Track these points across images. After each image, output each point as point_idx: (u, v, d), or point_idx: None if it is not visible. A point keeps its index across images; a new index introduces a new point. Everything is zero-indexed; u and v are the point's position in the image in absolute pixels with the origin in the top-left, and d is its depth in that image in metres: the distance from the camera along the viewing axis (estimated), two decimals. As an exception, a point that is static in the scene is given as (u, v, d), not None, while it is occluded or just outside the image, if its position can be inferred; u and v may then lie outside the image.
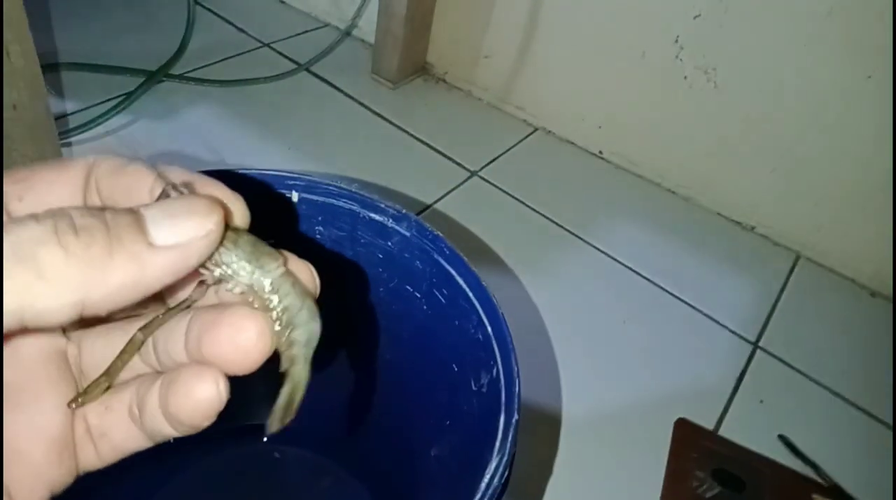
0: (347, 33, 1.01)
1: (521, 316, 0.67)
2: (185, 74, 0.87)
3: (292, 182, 0.34)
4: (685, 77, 0.79)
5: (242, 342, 0.19)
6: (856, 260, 0.78)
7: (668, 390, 0.63)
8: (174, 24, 0.94)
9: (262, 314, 0.19)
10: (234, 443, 0.48)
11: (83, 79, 0.83)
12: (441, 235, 0.34)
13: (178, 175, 0.20)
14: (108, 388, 0.21)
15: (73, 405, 0.21)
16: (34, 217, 0.16)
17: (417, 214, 0.74)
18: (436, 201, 0.77)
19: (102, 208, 0.18)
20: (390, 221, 0.35)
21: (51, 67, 0.82)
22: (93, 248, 0.16)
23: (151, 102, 0.82)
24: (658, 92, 0.82)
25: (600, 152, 0.91)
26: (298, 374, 0.20)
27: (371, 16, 0.95)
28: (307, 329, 0.20)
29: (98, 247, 0.16)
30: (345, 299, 0.38)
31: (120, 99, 0.79)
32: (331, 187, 0.35)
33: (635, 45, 0.81)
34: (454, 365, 0.34)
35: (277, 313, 0.20)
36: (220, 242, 0.19)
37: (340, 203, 0.35)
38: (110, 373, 0.21)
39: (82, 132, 0.74)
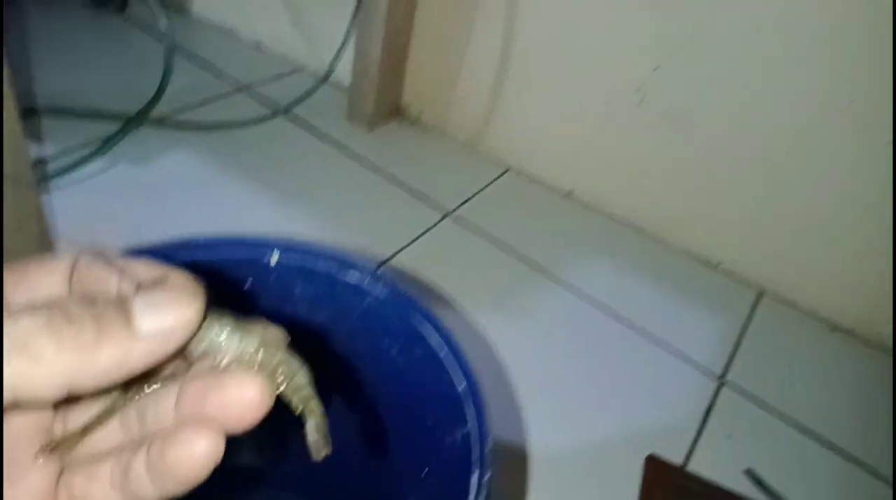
0: (325, 78, 1.04)
1: (493, 356, 0.68)
2: (164, 119, 0.89)
3: (272, 245, 0.36)
4: (649, 122, 0.82)
5: (248, 399, 0.21)
6: (817, 296, 0.82)
7: (639, 426, 0.65)
8: (152, 68, 0.95)
9: (260, 374, 0.22)
10: (208, 485, 0.49)
11: (62, 124, 0.84)
12: (414, 296, 0.36)
13: (145, 269, 0.22)
14: (80, 441, 0.23)
15: (44, 453, 0.22)
16: (31, 309, 0.18)
17: (393, 255, 0.76)
18: (411, 242, 0.79)
19: (94, 298, 0.20)
20: (366, 282, 0.36)
21: (30, 112, 0.83)
22: (82, 336, 0.18)
23: (130, 147, 0.83)
24: (624, 135, 0.85)
25: (571, 192, 0.94)
26: (317, 407, 0.24)
27: (348, 59, 0.98)
28: (304, 372, 0.24)
29: (87, 335, 0.19)
30: (323, 354, 0.40)
31: (99, 144, 0.80)
32: (308, 249, 0.36)
33: (601, 92, 0.84)
34: (428, 420, 0.36)
35: (280, 370, 0.23)
36: (205, 319, 0.21)
37: (318, 265, 0.36)
38: (87, 428, 0.23)
39: (61, 177, 0.75)
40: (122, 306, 0.20)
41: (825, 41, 0.68)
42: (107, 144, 0.80)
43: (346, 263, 0.36)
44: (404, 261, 0.76)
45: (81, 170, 0.77)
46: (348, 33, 0.99)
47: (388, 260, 0.76)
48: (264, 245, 0.36)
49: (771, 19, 0.70)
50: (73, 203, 0.72)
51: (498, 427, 0.61)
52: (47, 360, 0.18)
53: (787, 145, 0.75)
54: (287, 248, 0.36)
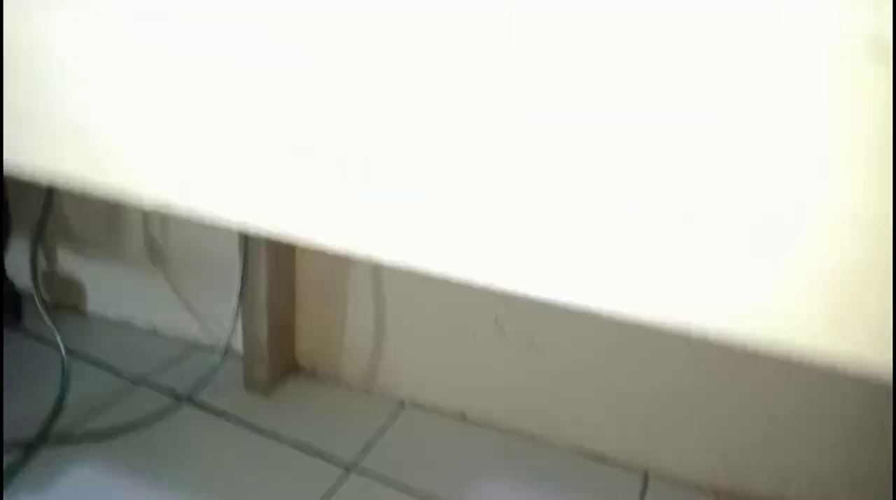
0: (222, 353, 1.11)
1: None
2: (66, 434, 0.92)
3: None
4: (511, 345, 0.95)
5: None
6: (697, 465, 0.92)
7: None
8: (52, 378, 0.99)
9: None
10: None
11: (-41, 465, 0.85)
12: None
13: None
14: None
15: None
16: None
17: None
18: (321, 508, 0.83)
19: None
20: None
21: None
22: None
23: (33, 475, 0.85)
24: (495, 359, 0.97)
25: (463, 413, 1.03)
26: None
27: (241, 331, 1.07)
28: None
29: None
30: None
31: (-1, 479, 0.82)
32: None
33: (468, 326, 0.97)
34: None
35: None
36: None
37: None
38: None
39: (-39, 527, 0.76)
40: None
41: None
42: (9, 476, 0.82)
43: None
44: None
45: (-17, 513, 0.78)
46: (237, 311, 1.09)
47: (300, 532, 0.80)
48: None
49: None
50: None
51: None
52: None
53: (617, 352, 0.89)
54: None
